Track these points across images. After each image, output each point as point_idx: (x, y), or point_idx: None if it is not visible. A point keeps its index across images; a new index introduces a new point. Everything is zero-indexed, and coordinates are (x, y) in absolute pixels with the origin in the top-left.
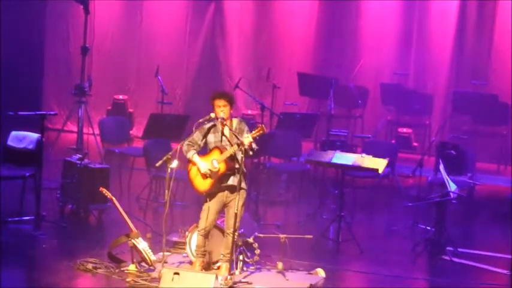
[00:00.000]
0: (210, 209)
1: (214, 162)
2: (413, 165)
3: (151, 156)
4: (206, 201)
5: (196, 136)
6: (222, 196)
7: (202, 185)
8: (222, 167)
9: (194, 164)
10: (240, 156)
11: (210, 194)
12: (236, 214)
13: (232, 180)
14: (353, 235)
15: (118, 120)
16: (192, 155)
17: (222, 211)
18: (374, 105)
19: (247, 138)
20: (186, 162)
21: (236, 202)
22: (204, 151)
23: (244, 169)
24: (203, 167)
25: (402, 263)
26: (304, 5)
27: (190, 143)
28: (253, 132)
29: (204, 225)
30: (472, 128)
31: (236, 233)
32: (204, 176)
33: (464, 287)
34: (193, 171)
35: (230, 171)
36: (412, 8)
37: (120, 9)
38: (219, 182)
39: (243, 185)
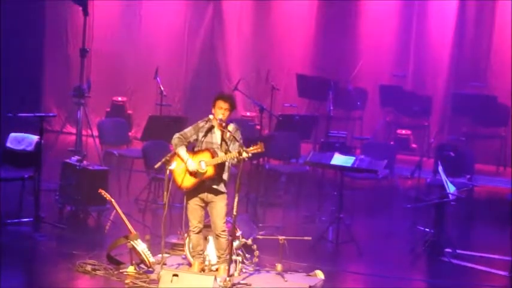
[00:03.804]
0: (194, 207)
1: (202, 164)
2: (412, 166)
3: (150, 158)
4: (189, 199)
5: (189, 131)
6: (203, 195)
7: (185, 181)
8: (209, 171)
9: (181, 159)
10: (228, 164)
11: (190, 192)
12: (235, 215)
13: (217, 185)
14: (352, 237)
15: (117, 122)
16: (182, 151)
17: (205, 208)
18: (373, 106)
19: (245, 153)
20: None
21: (234, 203)
22: (190, 147)
23: (227, 177)
24: (191, 166)
25: (401, 265)
26: (303, 5)
27: (181, 137)
28: (252, 148)
29: (194, 223)
30: (471, 130)
31: (235, 234)
32: (191, 174)
33: None
34: (178, 166)
35: (216, 176)
36: (411, 9)
37: (119, 11)
38: (202, 182)
39: (224, 189)
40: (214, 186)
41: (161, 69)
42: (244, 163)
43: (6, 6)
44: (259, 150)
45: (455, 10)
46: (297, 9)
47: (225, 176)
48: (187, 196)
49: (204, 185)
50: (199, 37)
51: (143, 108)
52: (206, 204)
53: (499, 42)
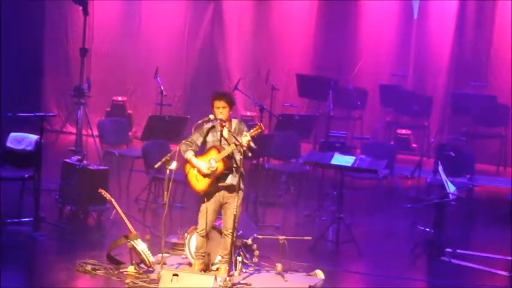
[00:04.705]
0: (207, 210)
1: (212, 162)
2: (412, 166)
3: (150, 158)
4: (203, 202)
5: (195, 136)
6: (219, 196)
7: (200, 184)
8: (220, 166)
9: (192, 164)
10: (238, 156)
11: (207, 194)
12: (235, 215)
13: (231, 179)
14: (352, 237)
15: (117, 121)
16: (190, 156)
17: (219, 211)
18: (373, 106)
19: (245, 137)
20: (183, 162)
21: (235, 203)
22: (201, 151)
23: (243, 170)
24: (203, 168)
25: (401, 265)
26: (303, 5)
27: (188, 143)
28: (252, 130)
29: (203, 226)
30: (471, 130)
31: (235, 234)
32: (204, 176)
33: None
34: (190, 172)
35: (228, 170)
36: (411, 9)
37: (119, 10)
38: (217, 181)
39: (236, 180)
40: (229, 181)
41: (161, 69)
42: (244, 163)
43: (6, 6)
44: (260, 130)
45: (455, 10)
46: (297, 9)
47: (238, 172)
48: (204, 197)
49: (219, 185)
50: (199, 37)
51: (143, 108)
52: (220, 206)
53: (499, 42)
